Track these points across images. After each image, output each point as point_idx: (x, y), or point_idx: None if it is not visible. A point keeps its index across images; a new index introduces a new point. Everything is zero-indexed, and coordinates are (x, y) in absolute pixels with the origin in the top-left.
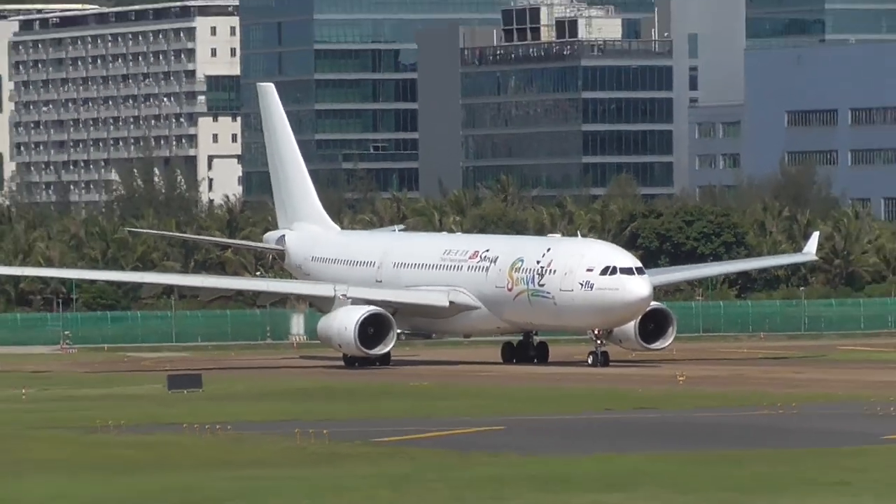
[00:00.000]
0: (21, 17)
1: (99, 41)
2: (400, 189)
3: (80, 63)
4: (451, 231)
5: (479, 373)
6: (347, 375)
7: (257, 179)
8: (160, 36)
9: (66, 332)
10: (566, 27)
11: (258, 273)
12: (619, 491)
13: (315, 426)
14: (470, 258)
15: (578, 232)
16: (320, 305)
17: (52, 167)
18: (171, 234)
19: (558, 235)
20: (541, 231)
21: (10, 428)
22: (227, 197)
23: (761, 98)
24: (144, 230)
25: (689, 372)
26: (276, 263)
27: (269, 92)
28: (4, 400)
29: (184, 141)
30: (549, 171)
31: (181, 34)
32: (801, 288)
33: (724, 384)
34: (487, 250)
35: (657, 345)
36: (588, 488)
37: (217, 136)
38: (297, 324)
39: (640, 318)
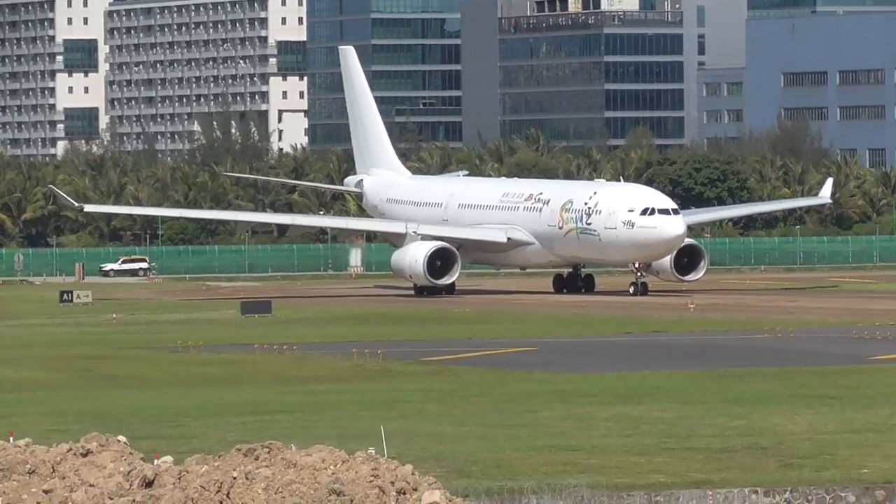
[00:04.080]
0: None
1: (183, 10)
2: (446, 140)
3: (166, 29)
4: (489, 176)
5: (515, 301)
6: (402, 302)
7: (321, 131)
8: (237, 6)
9: (153, 264)
10: (591, 0)
11: (321, 212)
12: (638, 403)
13: (371, 347)
14: (525, 200)
15: (621, 178)
16: (393, 241)
17: (141, 120)
18: (269, 178)
19: (603, 180)
20: (569, 176)
21: (102, 348)
22: (293, 146)
23: (760, 61)
24: (248, 175)
25: (699, 300)
26: (335, 205)
27: (349, 54)
28: (97, 324)
29: (257, 97)
30: (575, 124)
31: (255, 4)
32: (797, 227)
33: (728, 311)
34: (541, 193)
35: (690, 277)
36: (611, 401)
37: (286, 94)
38: (356, 257)
39: (675, 253)
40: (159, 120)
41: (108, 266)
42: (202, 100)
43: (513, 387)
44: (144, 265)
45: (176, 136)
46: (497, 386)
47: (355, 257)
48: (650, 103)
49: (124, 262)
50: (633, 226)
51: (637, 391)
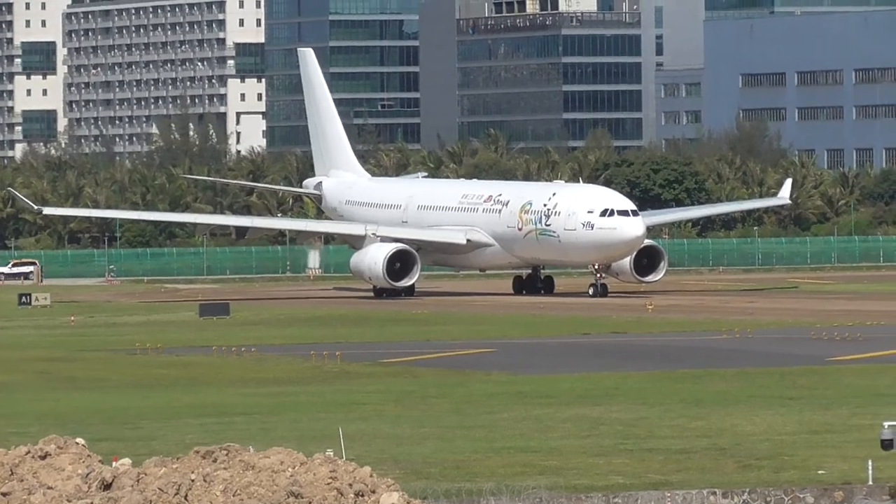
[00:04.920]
0: None
1: (142, 13)
2: (404, 141)
3: (124, 31)
4: (447, 178)
5: (473, 302)
6: (361, 304)
7: (279, 133)
8: (195, 8)
9: (111, 267)
10: (549, 1)
11: (280, 215)
12: (597, 405)
13: (329, 348)
14: (485, 201)
15: (580, 179)
16: (353, 243)
17: (99, 122)
18: (227, 180)
19: (562, 182)
20: (528, 178)
21: (61, 350)
22: (252, 148)
23: (718, 62)
24: (206, 177)
25: (658, 301)
26: (294, 206)
27: (308, 56)
28: (56, 326)
29: (215, 100)
30: (533, 126)
31: (213, 7)
32: (755, 227)
33: (687, 312)
34: (500, 194)
35: (650, 278)
36: (570, 402)
37: (244, 96)
38: (314, 259)
39: (634, 254)
40: (117, 122)
41: None
42: (160, 102)
43: (471, 388)
44: (33, 269)
45: (134, 139)
46: (456, 387)
47: (313, 259)
48: (608, 104)
49: (14, 265)
50: (592, 227)
51: (596, 392)
